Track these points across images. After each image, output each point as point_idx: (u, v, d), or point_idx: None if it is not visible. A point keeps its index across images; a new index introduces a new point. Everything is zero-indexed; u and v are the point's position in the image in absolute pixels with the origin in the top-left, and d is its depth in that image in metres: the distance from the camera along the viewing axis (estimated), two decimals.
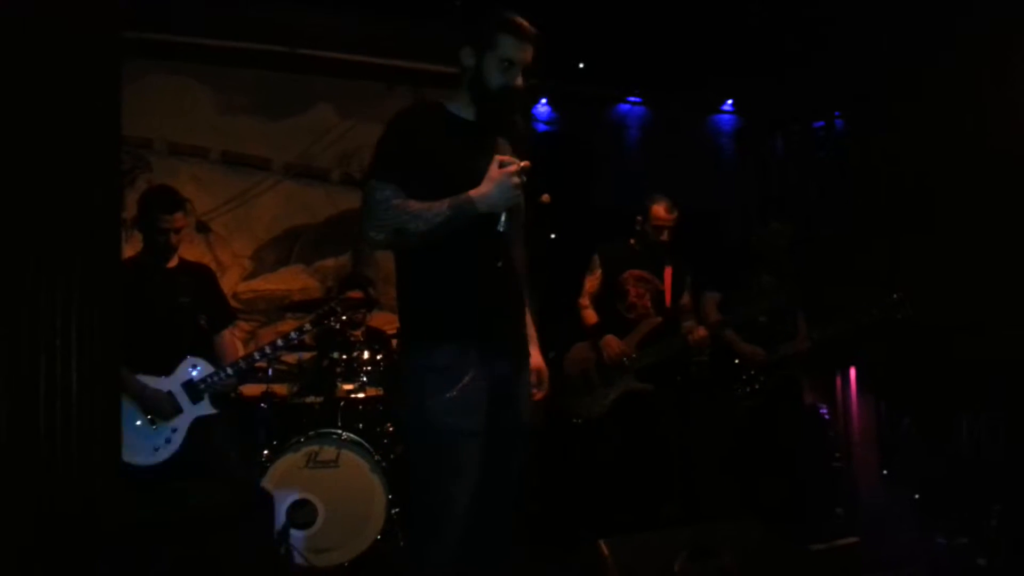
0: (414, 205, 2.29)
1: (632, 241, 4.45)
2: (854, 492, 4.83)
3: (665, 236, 4.34)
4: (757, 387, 4.41)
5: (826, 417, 5.18)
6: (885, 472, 4.87)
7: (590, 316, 4.35)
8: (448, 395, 2.27)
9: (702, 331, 4.21)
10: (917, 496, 4.35)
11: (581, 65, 6.37)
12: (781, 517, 3.97)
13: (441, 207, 2.28)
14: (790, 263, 4.57)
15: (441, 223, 2.28)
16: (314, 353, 4.63)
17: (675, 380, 4.40)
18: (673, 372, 4.34)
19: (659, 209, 4.33)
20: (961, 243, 4.74)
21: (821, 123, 6.63)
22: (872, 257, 5.33)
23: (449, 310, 2.33)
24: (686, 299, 4.44)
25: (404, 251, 2.39)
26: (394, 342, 4.52)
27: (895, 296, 4.23)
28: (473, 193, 2.31)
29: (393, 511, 3.88)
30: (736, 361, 4.47)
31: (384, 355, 4.34)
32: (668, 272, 4.39)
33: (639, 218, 4.40)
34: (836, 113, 6.51)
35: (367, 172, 2.41)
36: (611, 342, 4.20)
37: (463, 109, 2.48)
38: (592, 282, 4.41)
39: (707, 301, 4.54)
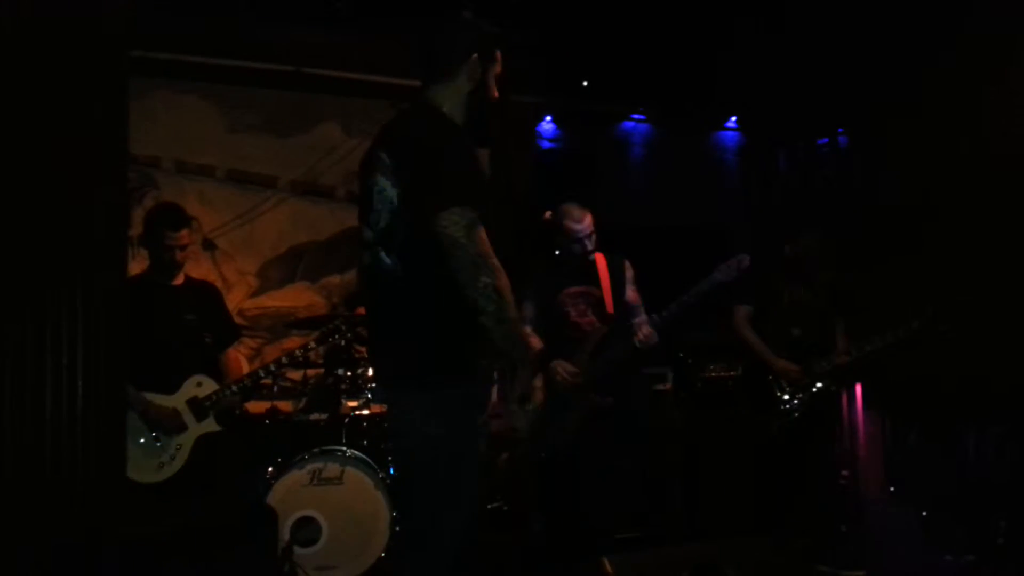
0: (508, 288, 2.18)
1: (561, 256, 4.10)
2: (860, 509, 4.80)
3: (587, 246, 3.98)
4: (796, 402, 4.26)
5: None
6: (891, 489, 4.84)
7: (533, 343, 4.00)
8: (482, 422, 2.28)
9: (646, 329, 3.86)
10: (923, 513, 4.31)
11: (585, 83, 6.41)
12: (786, 534, 3.94)
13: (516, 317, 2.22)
14: (825, 275, 4.43)
15: (514, 336, 2.21)
16: (319, 370, 4.64)
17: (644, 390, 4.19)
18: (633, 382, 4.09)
19: (567, 223, 3.97)
20: (966, 257, 4.74)
21: (824, 139, 6.65)
22: (876, 272, 5.33)
23: (482, 341, 2.26)
24: (631, 294, 4.08)
25: (437, 282, 2.19)
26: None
27: (935, 309, 4.12)
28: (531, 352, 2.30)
29: (397, 528, 3.87)
30: (769, 377, 4.33)
31: None
32: (604, 275, 4.05)
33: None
34: (839, 129, 6.54)
35: (458, 196, 2.15)
36: (558, 367, 3.93)
37: (454, 117, 2.39)
38: (528, 307, 4.09)
39: (738, 314, 4.39)
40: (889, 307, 4.48)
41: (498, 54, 2.45)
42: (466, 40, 2.38)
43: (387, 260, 2.24)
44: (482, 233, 2.14)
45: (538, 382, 2.32)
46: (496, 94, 2.44)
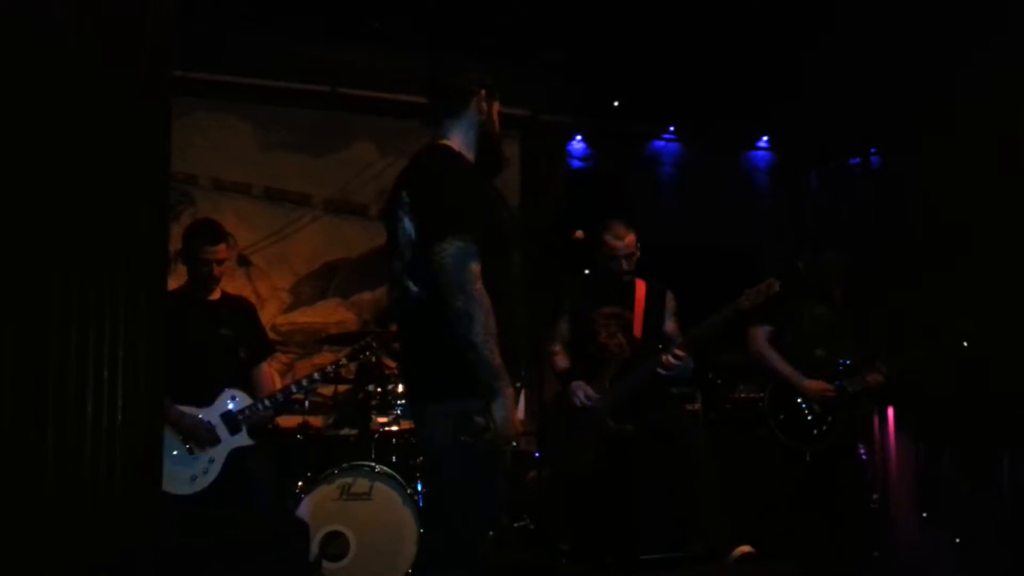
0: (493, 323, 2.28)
1: (597, 274, 4.08)
2: (892, 534, 4.73)
3: (624, 265, 3.98)
4: (824, 428, 4.11)
5: (863, 457, 5.08)
6: (924, 514, 4.77)
7: (560, 362, 4.09)
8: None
9: (668, 358, 3.80)
10: (957, 539, 4.24)
11: (616, 103, 6.44)
12: (817, 559, 3.90)
13: (498, 358, 2.28)
14: (843, 294, 4.31)
15: (486, 361, 2.26)
16: (350, 386, 4.68)
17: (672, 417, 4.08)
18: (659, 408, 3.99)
19: (608, 239, 3.98)
20: (999, 276, 4.68)
21: (857, 159, 6.62)
22: (909, 293, 5.28)
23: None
24: (670, 325, 4.06)
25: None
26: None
27: (964, 325, 4.05)
28: (508, 394, 2.31)
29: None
30: (798, 400, 4.18)
31: None
32: (640, 299, 4.04)
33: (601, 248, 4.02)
34: (872, 149, 6.50)
35: (455, 227, 2.29)
36: (577, 388, 3.91)
37: (465, 153, 2.54)
38: (563, 325, 4.14)
39: (755, 334, 4.25)
40: (922, 327, 4.40)
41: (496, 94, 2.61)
42: (474, 75, 2.57)
43: (414, 289, 2.42)
44: (471, 263, 2.26)
45: (509, 416, 2.29)
46: (498, 129, 2.62)
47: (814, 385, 4.15)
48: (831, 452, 4.15)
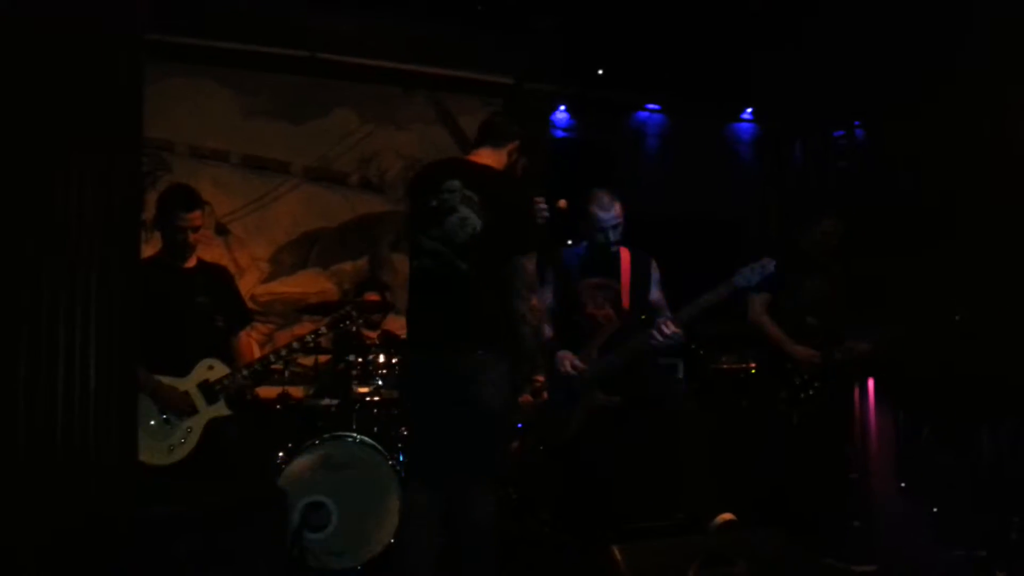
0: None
1: (583, 245, 4.09)
2: (871, 504, 4.77)
3: (611, 236, 3.93)
4: (811, 392, 4.22)
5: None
6: (903, 484, 4.81)
7: (545, 330, 3.91)
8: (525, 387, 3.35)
9: (666, 328, 3.71)
10: (935, 508, 4.29)
11: (600, 71, 6.38)
12: (797, 528, 3.92)
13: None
14: (838, 264, 4.37)
15: (535, 336, 3.11)
16: (330, 356, 4.64)
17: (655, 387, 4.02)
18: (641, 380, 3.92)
19: (594, 209, 3.91)
20: (983, 251, 4.70)
21: (841, 132, 6.60)
22: (893, 266, 5.29)
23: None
24: (656, 294, 4.03)
25: (500, 286, 3.01)
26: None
27: (956, 303, 4.15)
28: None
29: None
30: (788, 366, 4.27)
31: (399, 358, 4.33)
32: (626, 269, 4.00)
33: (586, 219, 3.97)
34: (856, 122, 6.49)
35: (536, 245, 3.08)
36: (563, 357, 3.87)
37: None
38: (547, 294, 4.04)
39: (754, 302, 4.32)
40: (905, 300, 4.43)
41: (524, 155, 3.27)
42: (516, 128, 3.23)
43: (463, 266, 2.98)
44: (534, 265, 3.04)
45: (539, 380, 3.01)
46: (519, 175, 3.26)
47: (801, 350, 4.26)
48: (818, 417, 4.23)
